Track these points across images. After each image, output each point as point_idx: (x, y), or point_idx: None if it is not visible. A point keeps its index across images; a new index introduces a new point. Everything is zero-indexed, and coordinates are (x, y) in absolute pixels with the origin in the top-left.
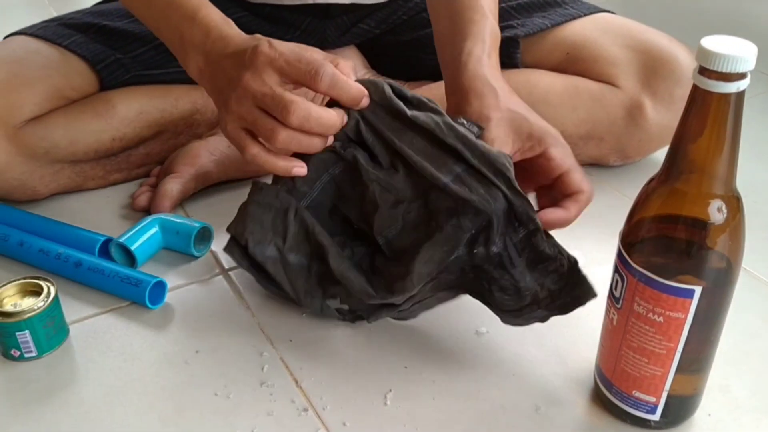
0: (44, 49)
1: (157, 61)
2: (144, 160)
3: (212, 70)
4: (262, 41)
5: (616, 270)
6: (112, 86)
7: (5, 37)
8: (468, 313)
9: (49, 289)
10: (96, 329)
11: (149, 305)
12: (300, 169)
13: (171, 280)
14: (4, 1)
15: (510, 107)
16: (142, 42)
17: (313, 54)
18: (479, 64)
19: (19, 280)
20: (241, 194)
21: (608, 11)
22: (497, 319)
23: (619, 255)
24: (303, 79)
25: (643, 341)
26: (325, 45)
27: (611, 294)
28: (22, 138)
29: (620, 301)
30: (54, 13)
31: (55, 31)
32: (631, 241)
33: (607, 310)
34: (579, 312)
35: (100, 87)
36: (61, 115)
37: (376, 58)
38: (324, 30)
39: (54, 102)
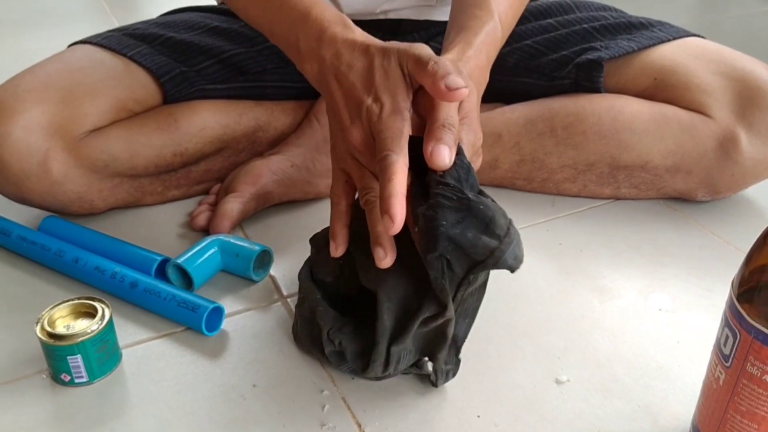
0: (108, 59)
1: (222, 75)
2: (203, 177)
3: (325, 81)
4: (375, 104)
5: (726, 324)
6: (176, 100)
7: (70, 45)
8: (548, 358)
9: (103, 311)
10: (149, 355)
11: (206, 332)
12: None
13: (228, 305)
14: (66, 9)
15: None
16: (207, 55)
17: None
18: (458, 54)
19: (73, 300)
20: (302, 216)
21: (697, 35)
22: (579, 366)
23: (732, 307)
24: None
25: (754, 405)
26: None
27: (719, 350)
28: (82, 150)
29: (730, 360)
30: (116, 22)
31: (120, 41)
32: (747, 291)
33: (712, 367)
34: (671, 363)
35: (163, 100)
36: (122, 127)
37: None
38: None
39: (116, 114)
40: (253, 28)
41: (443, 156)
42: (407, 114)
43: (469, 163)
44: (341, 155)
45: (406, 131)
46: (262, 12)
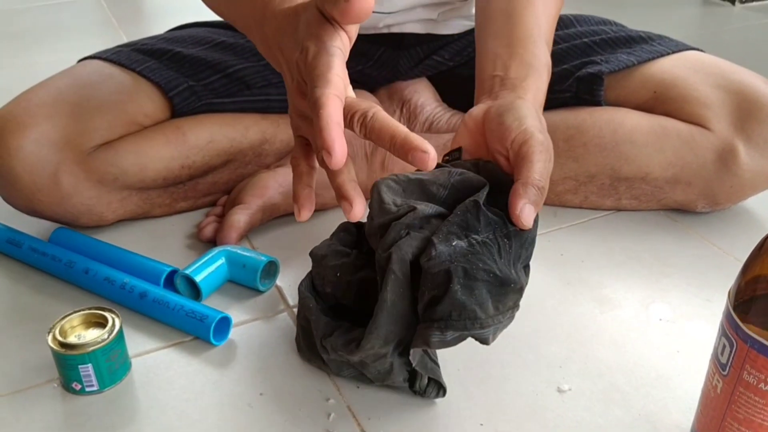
0: (118, 74)
1: (229, 89)
2: (211, 189)
3: (274, 57)
4: (309, 43)
5: (723, 333)
6: (183, 113)
7: (79, 61)
8: (550, 367)
9: (114, 321)
10: (158, 364)
11: (213, 342)
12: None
13: (235, 315)
14: (75, 24)
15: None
16: (214, 70)
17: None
18: (535, 99)
19: (83, 310)
20: (308, 227)
21: (697, 49)
22: (581, 375)
23: (728, 317)
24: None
25: (751, 413)
26: (397, 76)
27: (716, 359)
28: (91, 163)
29: (727, 368)
30: (124, 37)
31: (129, 56)
32: (743, 301)
33: (710, 375)
34: (671, 372)
35: (172, 114)
36: (131, 141)
37: (448, 90)
38: (397, 61)
39: (125, 128)
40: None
41: (529, 219)
42: (334, 50)
43: (525, 234)
44: (295, 122)
45: (336, 65)
46: (230, 7)
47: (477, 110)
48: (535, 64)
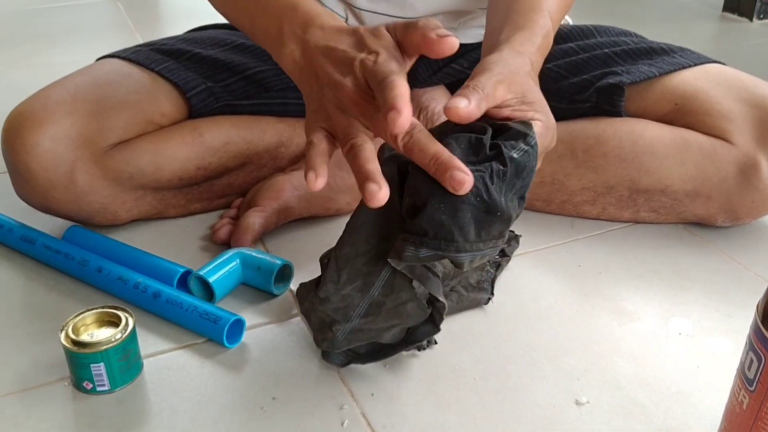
0: (136, 73)
1: (247, 91)
2: (225, 191)
3: (308, 59)
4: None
5: (751, 348)
6: (201, 114)
7: (98, 59)
8: (568, 379)
9: (127, 320)
10: (170, 365)
11: (226, 344)
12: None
13: (248, 318)
14: (92, 25)
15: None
16: (232, 72)
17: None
18: (521, 46)
19: (97, 309)
20: (323, 231)
21: (718, 62)
22: (599, 388)
23: (757, 331)
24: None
25: None
26: (414, 83)
27: (742, 374)
28: (108, 162)
29: (754, 384)
30: (140, 38)
31: (148, 56)
32: None
33: (735, 391)
34: (691, 388)
35: (189, 115)
36: (148, 140)
37: None
38: (415, 68)
39: (142, 127)
40: (231, 21)
41: (457, 102)
42: (403, 64)
43: (523, 161)
44: (324, 115)
45: (404, 72)
46: (244, 4)
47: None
48: (527, 25)
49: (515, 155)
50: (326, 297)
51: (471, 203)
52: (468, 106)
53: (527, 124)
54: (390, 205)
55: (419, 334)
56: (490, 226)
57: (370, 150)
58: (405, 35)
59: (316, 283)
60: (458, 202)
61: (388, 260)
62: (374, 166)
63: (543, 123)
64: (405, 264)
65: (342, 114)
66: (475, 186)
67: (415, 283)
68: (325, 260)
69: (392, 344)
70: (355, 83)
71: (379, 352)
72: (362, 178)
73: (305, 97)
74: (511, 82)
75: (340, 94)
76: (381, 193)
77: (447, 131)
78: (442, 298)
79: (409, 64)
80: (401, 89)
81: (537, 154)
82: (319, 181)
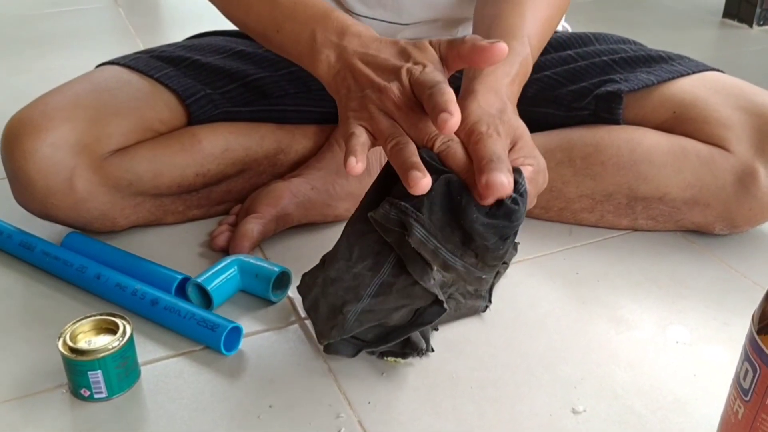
0: (135, 80)
1: (246, 98)
2: (224, 197)
3: (346, 65)
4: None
5: (746, 358)
6: (200, 121)
7: (98, 66)
8: (565, 388)
9: (124, 327)
10: (168, 373)
11: (224, 351)
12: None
13: (246, 325)
14: (92, 30)
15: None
16: (231, 79)
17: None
18: (496, 82)
19: (95, 316)
20: (321, 238)
21: (717, 69)
22: (596, 396)
23: (752, 341)
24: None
25: None
26: None
27: (738, 384)
28: (107, 168)
29: (749, 394)
30: (141, 45)
31: (148, 63)
32: (767, 325)
33: (731, 401)
34: (688, 396)
35: (188, 121)
36: (147, 147)
37: None
38: None
39: (141, 134)
40: (249, 29)
41: (500, 178)
42: (446, 78)
43: (510, 201)
44: (366, 114)
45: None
46: (269, 10)
47: None
48: None
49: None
50: (338, 276)
51: (451, 197)
52: (509, 184)
53: (517, 170)
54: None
55: (427, 316)
56: (452, 228)
57: (413, 148)
58: (451, 49)
59: (324, 262)
60: (445, 185)
61: (368, 215)
62: (418, 160)
63: (533, 167)
64: (374, 217)
65: (384, 116)
66: (467, 192)
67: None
68: (306, 278)
69: (400, 326)
70: (401, 90)
71: (387, 335)
72: (407, 167)
73: (340, 99)
74: (504, 136)
75: (384, 98)
76: (424, 180)
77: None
78: (426, 284)
79: (448, 76)
80: (451, 96)
81: (526, 201)
82: (359, 166)
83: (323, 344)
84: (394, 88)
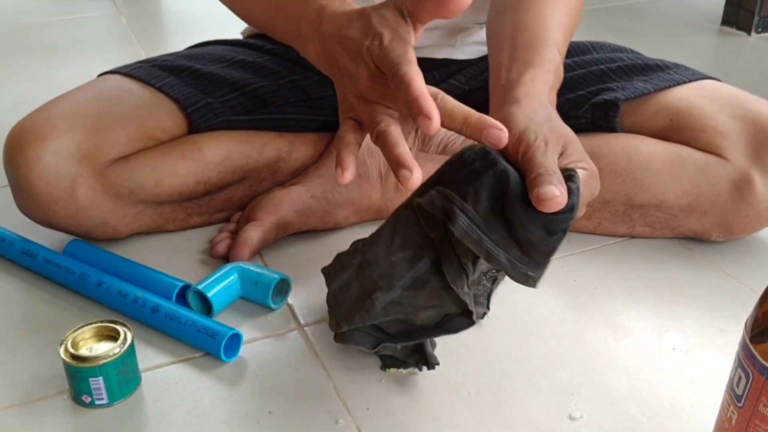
0: (137, 89)
1: (247, 107)
2: (225, 205)
3: (330, 53)
4: (367, 49)
5: (739, 364)
6: (201, 130)
7: (99, 75)
8: (562, 394)
9: (125, 334)
10: (168, 379)
11: (224, 358)
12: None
13: (246, 332)
14: (95, 39)
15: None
16: (232, 87)
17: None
18: (536, 89)
19: (96, 323)
20: (320, 245)
21: (713, 78)
22: (593, 403)
23: (745, 348)
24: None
25: None
26: None
27: (731, 390)
28: (108, 176)
29: (742, 400)
30: (143, 53)
31: (149, 72)
32: (759, 332)
33: (725, 407)
34: (684, 402)
35: (189, 130)
36: (148, 155)
37: None
38: None
39: (143, 142)
40: (253, 25)
41: (552, 190)
42: (410, 39)
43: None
44: (348, 105)
45: (411, 51)
46: (263, 7)
47: None
48: (536, 61)
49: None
50: (375, 260)
51: (498, 186)
52: (562, 195)
53: (570, 169)
54: None
55: (454, 324)
56: (496, 218)
57: (396, 133)
58: (417, 3)
59: (355, 247)
60: (489, 187)
61: (414, 201)
62: (402, 150)
63: (587, 171)
64: (419, 202)
65: (363, 102)
66: (517, 186)
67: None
68: (342, 257)
69: (426, 327)
70: (368, 71)
71: (411, 333)
72: (394, 164)
73: (336, 86)
74: (553, 143)
75: (356, 84)
76: (413, 179)
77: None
78: (457, 290)
79: (420, 33)
80: (419, 88)
81: (577, 198)
82: (346, 175)
83: (344, 330)
84: (361, 71)
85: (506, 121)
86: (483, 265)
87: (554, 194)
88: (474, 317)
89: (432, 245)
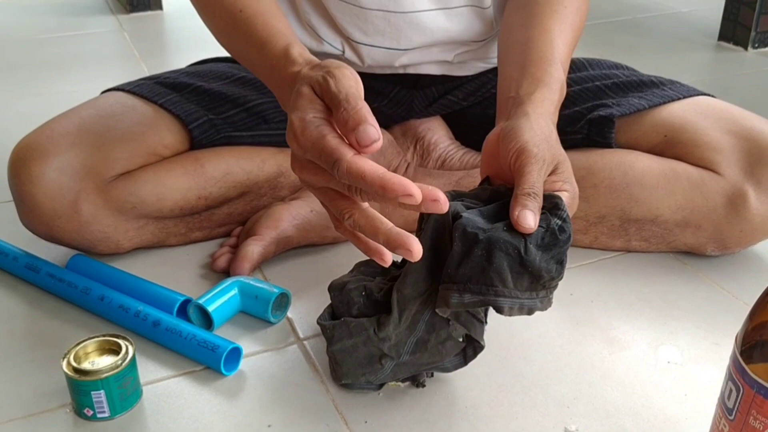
0: (140, 106)
1: (248, 123)
2: (226, 220)
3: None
4: (294, 117)
5: (730, 378)
6: (202, 146)
7: (103, 92)
8: (558, 407)
9: (127, 348)
10: (169, 393)
11: (224, 372)
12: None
13: (246, 345)
14: (98, 55)
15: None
16: (233, 104)
17: (329, 144)
18: (544, 108)
19: (98, 337)
20: (320, 259)
21: (708, 94)
22: (588, 416)
23: (735, 362)
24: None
25: None
26: (411, 114)
27: (722, 404)
28: (111, 192)
29: (733, 413)
30: (146, 69)
31: (151, 89)
32: (750, 346)
33: (717, 420)
34: (678, 416)
35: (191, 146)
36: (150, 171)
37: (461, 129)
38: (411, 100)
39: (145, 158)
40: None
41: (528, 220)
42: (314, 120)
43: (558, 228)
44: (309, 182)
45: (327, 133)
46: (243, 60)
47: (491, 134)
48: (545, 79)
49: (554, 225)
50: (386, 336)
51: (507, 252)
52: (535, 219)
53: (557, 197)
54: (443, 248)
55: (447, 364)
56: (521, 277)
57: (368, 216)
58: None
59: (374, 322)
60: (494, 250)
61: (436, 310)
62: (385, 228)
63: (570, 193)
64: (451, 311)
65: (321, 180)
66: (512, 242)
67: (451, 323)
68: (334, 291)
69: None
70: (299, 150)
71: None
72: (390, 247)
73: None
74: (549, 161)
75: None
76: (414, 254)
77: (482, 197)
78: (483, 342)
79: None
80: (374, 180)
81: (570, 223)
82: (387, 258)
83: (343, 383)
84: (295, 155)
85: (513, 132)
86: None
87: (529, 225)
88: (468, 359)
89: (427, 309)
